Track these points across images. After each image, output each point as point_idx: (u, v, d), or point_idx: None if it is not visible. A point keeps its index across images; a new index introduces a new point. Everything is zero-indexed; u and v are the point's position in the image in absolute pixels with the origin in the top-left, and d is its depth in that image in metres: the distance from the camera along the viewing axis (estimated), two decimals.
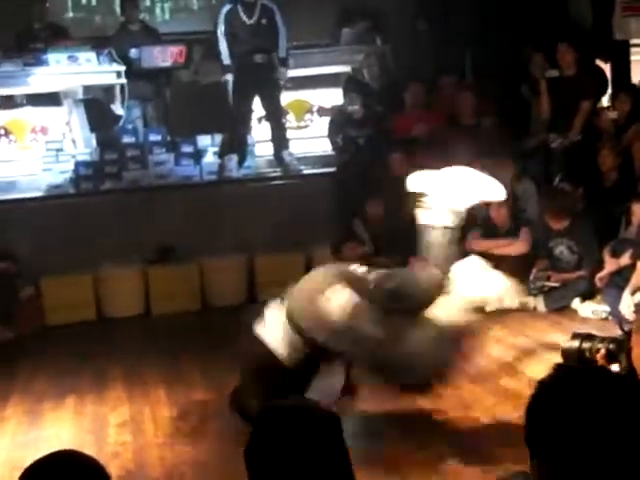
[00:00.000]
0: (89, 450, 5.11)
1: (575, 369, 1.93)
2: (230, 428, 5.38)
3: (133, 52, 9.99)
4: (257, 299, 9.01)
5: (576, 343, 3.63)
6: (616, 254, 7.83)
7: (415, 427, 5.27)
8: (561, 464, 1.72)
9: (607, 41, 10.15)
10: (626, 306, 7.30)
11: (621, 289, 7.46)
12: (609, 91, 10.14)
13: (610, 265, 7.79)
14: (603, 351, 3.52)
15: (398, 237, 8.01)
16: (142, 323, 8.67)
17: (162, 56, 10.16)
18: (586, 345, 3.59)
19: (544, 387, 1.81)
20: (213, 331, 8.11)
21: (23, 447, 5.45)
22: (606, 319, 7.49)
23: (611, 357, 3.48)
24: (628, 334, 3.39)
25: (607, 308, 7.55)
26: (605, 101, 10.00)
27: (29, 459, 2.16)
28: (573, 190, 8.51)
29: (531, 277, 7.99)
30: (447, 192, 5.36)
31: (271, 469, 2.01)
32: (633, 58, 10.89)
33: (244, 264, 9.13)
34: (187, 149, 9.95)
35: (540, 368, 5.93)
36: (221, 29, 9.81)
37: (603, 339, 3.59)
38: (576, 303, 7.85)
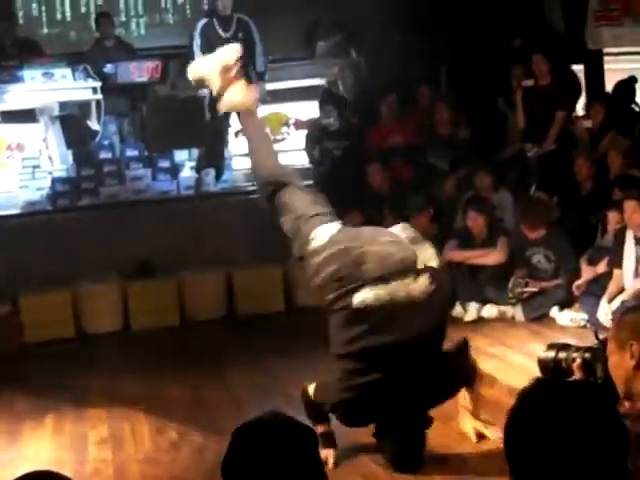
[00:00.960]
0: (69, 468, 5.12)
1: (553, 383, 1.91)
2: (209, 443, 5.39)
3: (109, 67, 9.98)
4: (236, 313, 9.02)
5: (552, 353, 3.62)
6: (593, 262, 7.88)
7: None
8: None
9: (580, 50, 10.23)
10: (604, 314, 7.35)
11: (598, 297, 7.50)
12: (583, 100, 10.21)
13: (587, 273, 7.84)
14: (579, 361, 3.50)
15: None
16: (121, 339, 8.63)
17: (138, 71, 10.16)
18: (562, 355, 3.59)
19: (522, 403, 1.81)
20: (192, 346, 8.09)
21: (2, 466, 5.41)
22: (584, 327, 7.52)
23: (587, 367, 3.46)
24: (603, 343, 3.38)
25: (585, 316, 7.58)
26: (580, 110, 10.05)
27: (8, 479, 2.16)
28: (549, 199, 8.55)
29: (509, 285, 8.02)
30: None
31: None
32: (606, 67, 10.98)
33: (223, 278, 9.11)
34: (164, 164, 9.95)
35: (519, 377, 5.96)
36: (197, 43, 9.82)
37: (578, 349, 3.57)
38: (554, 312, 7.89)
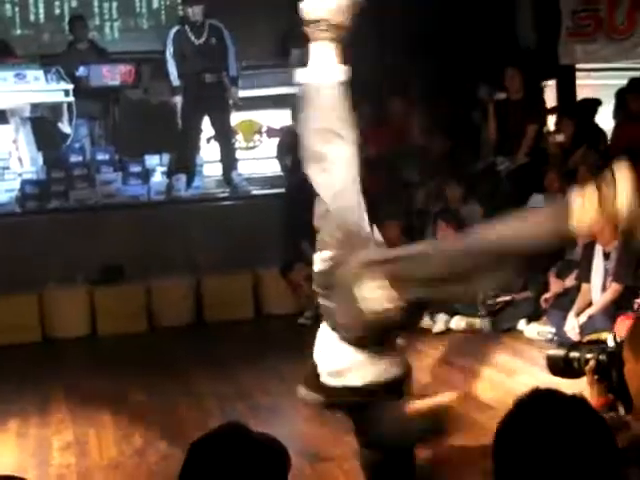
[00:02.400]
0: (32, 473, 5.08)
1: (548, 395, 1.86)
2: (175, 450, 5.35)
3: (81, 70, 9.94)
4: (205, 320, 8.99)
5: (562, 351, 3.39)
6: (561, 276, 7.92)
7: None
8: None
9: (553, 65, 10.29)
10: (571, 328, 7.38)
11: (566, 311, 7.54)
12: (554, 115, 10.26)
13: (555, 286, 7.88)
14: (593, 363, 3.27)
15: None
16: (88, 344, 8.58)
17: (111, 75, 10.12)
18: (574, 354, 3.35)
19: (514, 413, 1.78)
20: (159, 352, 8.06)
21: None
22: (551, 340, 7.55)
23: (601, 370, 3.24)
24: (620, 345, 3.15)
25: (552, 329, 7.61)
26: (551, 125, 10.10)
27: None
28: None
29: (480, 299, 8.03)
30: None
31: None
32: (579, 82, 11.05)
33: (192, 285, 9.08)
34: (135, 168, 9.93)
35: (487, 389, 5.98)
36: (170, 50, 9.81)
37: (592, 349, 3.35)
38: (522, 324, 7.91)
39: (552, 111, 9.88)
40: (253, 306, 9.11)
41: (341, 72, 4.45)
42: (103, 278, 8.98)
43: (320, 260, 4.42)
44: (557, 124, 9.64)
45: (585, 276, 7.56)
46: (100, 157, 9.95)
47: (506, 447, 1.75)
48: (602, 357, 3.27)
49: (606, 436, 1.73)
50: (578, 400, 1.79)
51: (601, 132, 9.59)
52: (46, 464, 5.43)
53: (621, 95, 9.52)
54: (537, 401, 1.82)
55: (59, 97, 9.76)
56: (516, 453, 1.72)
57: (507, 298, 8.05)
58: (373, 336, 4.33)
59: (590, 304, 7.47)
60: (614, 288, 7.33)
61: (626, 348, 2.89)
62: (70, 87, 9.71)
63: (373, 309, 4.11)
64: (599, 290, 7.47)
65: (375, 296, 4.10)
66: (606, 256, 7.46)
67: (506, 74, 9.28)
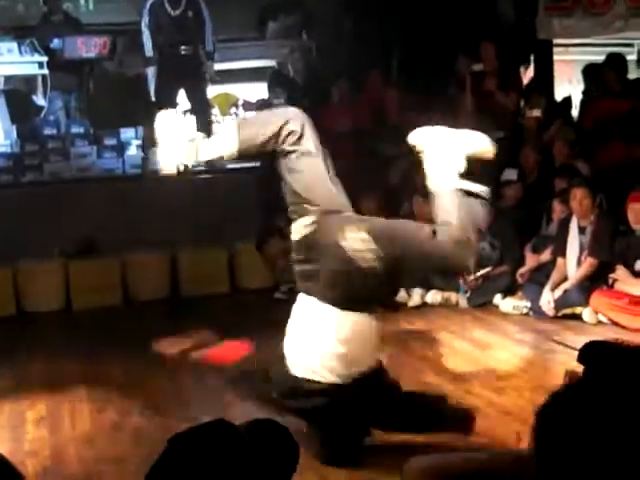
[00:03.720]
0: (5, 447, 5.04)
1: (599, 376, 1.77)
2: (150, 425, 5.35)
3: (56, 42, 9.84)
4: (180, 294, 8.96)
5: None
6: (537, 251, 7.95)
7: None
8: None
9: (531, 40, 10.27)
10: (546, 302, 7.42)
11: (541, 285, 7.58)
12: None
13: (531, 261, 7.91)
14: None
15: None
16: (62, 318, 8.54)
17: (85, 47, 10.03)
18: None
19: (556, 400, 1.68)
20: (134, 326, 8.02)
21: None
22: (527, 315, 7.59)
23: None
24: None
25: (528, 304, 7.65)
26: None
27: None
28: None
29: (459, 278, 8.05)
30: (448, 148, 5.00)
31: None
32: (556, 58, 11.05)
33: (167, 259, 9.05)
34: (110, 142, 9.85)
35: (463, 363, 5.99)
36: (145, 21, 9.71)
37: None
38: (497, 299, 7.94)
39: (529, 85, 9.86)
40: (229, 280, 9.09)
41: None
42: (78, 252, 8.93)
43: (302, 226, 4.49)
44: (529, 99, 9.62)
45: (560, 250, 7.58)
46: (75, 130, 9.86)
47: (550, 435, 1.64)
48: None
49: None
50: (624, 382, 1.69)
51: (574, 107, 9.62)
52: (19, 438, 5.39)
53: (593, 70, 9.51)
54: (580, 385, 1.73)
55: (33, 69, 9.67)
56: (562, 441, 1.62)
57: (485, 272, 8.06)
58: (355, 295, 4.38)
59: (565, 279, 7.51)
60: (589, 262, 7.37)
61: None
62: (44, 59, 9.62)
63: (359, 251, 4.32)
64: (574, 264, 7.50)
65: (360, 243, 4.38)
66: (581, 230, 7.49)
67: (482, 48, 9.25)
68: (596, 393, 1.66)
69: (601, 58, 9.70)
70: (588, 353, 2.80)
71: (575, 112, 9.71)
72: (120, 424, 5.51)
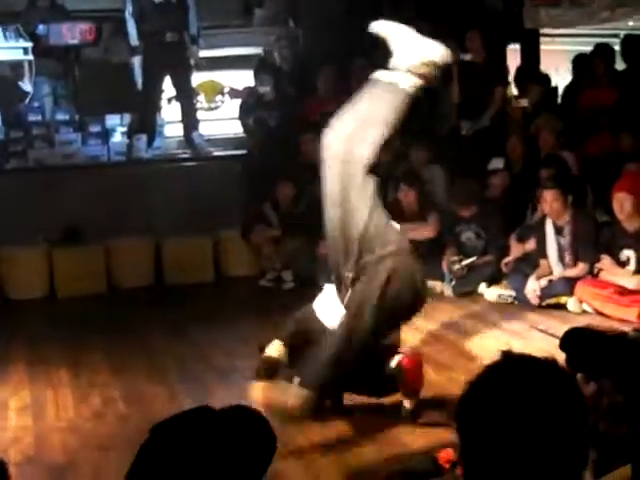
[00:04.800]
0: None
1: (518, 358, 1.81)
2: (132, 412, 5.34)
3: (41, 29, 9.78)
4: (165, 282, 8.95)
5: None
6: (522, 240, 7.95)
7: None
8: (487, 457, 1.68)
9: (518, 29, 10.26)
10: (531, 291, 7.42)
11: (526, 274, 7.58)
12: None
13: (516, 251, 7.91)
14: None
15: (307, 220, 7.99)
16: (46, 305, 8.51)
17: (71, 33, 9.97)
18: None
19: (481, 377, 1.74)
20: (118, 314, 8.01)
21: None
22: (511, 304, 7.60)
23: None
24: None
25: (512, 293, 7.65)
26: (513, 89, 10.08)
27: None
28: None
29: (444, 267, 8.05)
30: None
31: None
32: (543, 47, 11.04)
33: (151, 246, 9.02)
34: (95, 129, 9.81)
35: (446, 352, 6.00)
36: (129, 9, 9.67)
37: None
38: (482, 288, 7.94)
39: (516, 75, 9.84)
40: (213, 268, 9.08)
41: None
42: (62, 239, 8.90)
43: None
44: (521, 89, 9.61)
45: (542, 252, 7.60)
46: (60, 117, 9.82)
47: (473, 409, 1.72)
48: None
49: (577, 399, 1.71)
50: (550, 363, 1.75)
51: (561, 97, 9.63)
52: (2, 426, 5.36)
53: (581, 60, 9.52)
54: (507, 364, 1.77)
55: (18, 55, 9.63)
56: (483, 416, 1.69)
57: (470, 261, 8.07)
58: None
59: (551, 272, 7.52)
60: (581, 267, 7.38)
61: None
62: (29, 45, 9.56)
63: None
64: (556, 263, 7.52)
65: None
66: (558, 230, 7.50)
67: (468, 37, 9.23)
68: (511, 375, 1.71)
69: (588, 48, 9.70)
70: (568, 340, 2.82)
71: (560, 102, 9.70)
72: (103, 411, 5.49)
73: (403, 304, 4.73)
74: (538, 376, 1.71)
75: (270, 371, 4.95)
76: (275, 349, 4.98)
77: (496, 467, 1.66)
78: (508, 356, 1.78)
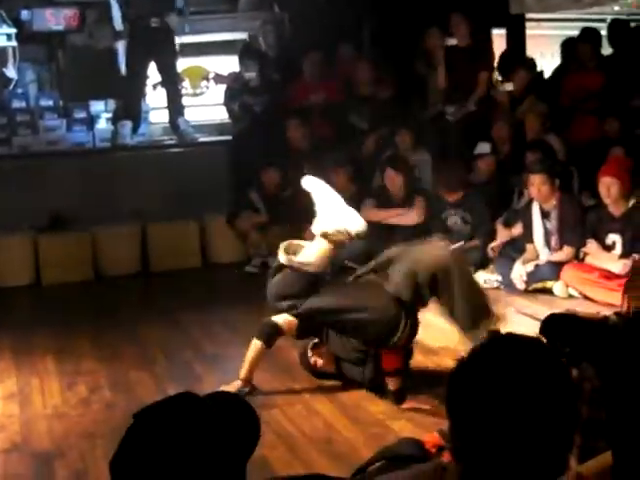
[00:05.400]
0: None
1: (506, 337, 1.83)
2: (118, 399, 5.33)
3: (24, 14, 9.71)
4: (151, 269, 8.92)
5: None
6: (508, 224, 7.96)
7: (303, 394, 5.27)
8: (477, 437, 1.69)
9: (503, 14, 10.24)
10: (518, 276, 7.43)
11: (513, 259, 7.59)
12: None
13: (502, 235, 7.92)
14: None
15: (293, 206, 7.98)
16: (32, 293, 8.47)
17: (55, 19, 9.91)
18: None
19: (471, 356, 1.75)
20: (105, 301, 7.98)
21: None
22: (498, 288, 7.60)
23: None
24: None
25: (499, 277, 7.66)
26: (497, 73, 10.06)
27: None
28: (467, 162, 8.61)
29: None
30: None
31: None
32: (528, 32, 11.03)
33: (137, 233, 8.99)
34: (80, 115, 9.75)
35: (434, 336, 5.99)
36: None
37: None
38: None
39: (501, 60, 9.82)
40: (200, 254, 9.06)
41: None
42: (48, 226, 8.86)
43: None
44: (507, 73, 9.59)
45: (528, 237, 7.61)
46: (44, 103, 9.74)
47: (462, 390, 1.72)
48: None
49: (564, 377, 1.71)
50: (537, 342, 1.76)
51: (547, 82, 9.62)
52: None
53: (569, 45, 9.51)
54: (495, 345, 1.78)
55: (1, 41, 9.56)
56: (471, 395, 1.69)
57: (457, 246, 8.06)
58: None
59: (537, 258, 7.53)
60: (567, 252, 7.39)
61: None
62: (13, 31, 9.49)
63: None
64: (542, 247, 7.53)
65: None
66: (545, 214, 7.50)
67: (452, 21, 9.20)
68: (500, 355, 1.73)
69: (574, 33, 9.68)
70: (548, 325, 2.83)
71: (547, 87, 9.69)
72: (90, 399, 5.48)
73: None
74: (526, 355, 1.72)
75: (268, 336, 5.16)
76: (282, 317, 5.13)
77: (485, 446, 1.67)
78: (496, 337, 1.79)
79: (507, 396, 1.66)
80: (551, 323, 3.10)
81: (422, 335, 5.41)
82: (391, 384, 5.06)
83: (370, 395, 5.23)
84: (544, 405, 1.66)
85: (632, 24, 9.80)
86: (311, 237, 5.48)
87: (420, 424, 4.59)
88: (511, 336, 1.80)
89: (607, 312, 3.59)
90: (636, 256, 6.79)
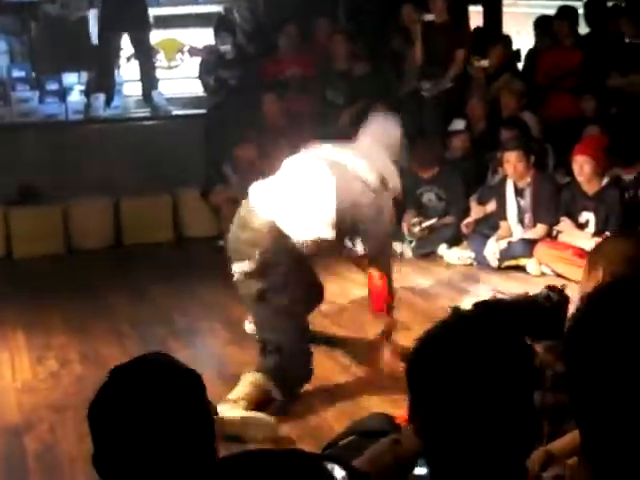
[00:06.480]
0: None
1: (468, 316, 1.83)
2: (89, 372, 5.29)
3: None
4: (123, 242, 8.87)
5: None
6: (482, 201, 7.96)
7: None
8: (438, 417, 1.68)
9: None
10: (491, 252, 7.45)
11: (486, 236, 7.60)
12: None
13: (476, 212, 7.92)
14: None
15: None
16: (3, 266, 8.40)
17: None
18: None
19: (431, 334, 1.73)
20: (77, 275, 7.93)
21: None
22: (471, 265, 7.62)
23: None
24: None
25: (472, 254, 7.67)
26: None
27: None
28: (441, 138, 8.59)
29: (404, 228, 8.03)
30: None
31: (119, 433, 1.82)
32: (505, 10, 11.01)
33: (110, 206, 8.93)
34: (52, 86, 9.65)
35: (406, 313, 6.00)
36: None
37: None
38: (442, 249, 7.94)
39: (476, 36, 9.79)
40: (173, 228, 9.01)
41: None
42: (19, 199, 8.78)
43: None
44: (482, 50, 9.56)
45: (502, 214, 7.62)
46: (16, 74, 9.65)
47: (421, 366, 1.71)
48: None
49: (525, 355, 1.70)
50: (499, 320, 1.74)
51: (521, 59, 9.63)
52: None
53: (545, 22, 9.49)
54: (455, 322, 1.77)
55: None
56: (431, 372, 1.68)
57: (431, 222, 8.06)
58: None
59: (511, 235, 7.54)
60: (541, 229, 7.40)
61: (585, 261, 2.97)
62: None
63: None
64: (515, 224, 7.54)
65: None
66: (519, 192, 7.51)
67: None
68: (460, 332, 1.71)
69: (551, 11, 9.66)
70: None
71: (522, 65, 9.69)
72: (60, 372, 5.45)
73: None
74: (486, 333, 1.70)
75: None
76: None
77: (445, 424, 1.66)
78: (457, 313, 1.78)
79: (466, 372, 1.64)
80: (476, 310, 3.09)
81: (394, 311, 5.39)
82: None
83: (342, 369, 5.23)
84: (505, 380, 1.65)
85: (609, 3, 9.79)
86: None
87: (391, 400, 4.59)
88: (471, 312, 1.79)
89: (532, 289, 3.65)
90: (609, 234, 6.81)
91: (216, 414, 1.95)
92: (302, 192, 4.80)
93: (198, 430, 1.86)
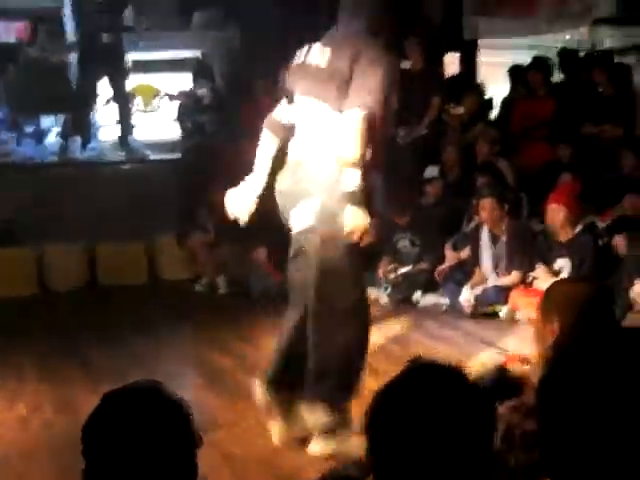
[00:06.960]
0: None
1: (427, 367, 1.83)
2: (60, 419, 5.22)
3: None
4: (98, 285, 8.84)
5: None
6: (457, 248, 7.98)
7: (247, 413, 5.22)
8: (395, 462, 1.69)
9: (457, 40, 10.32)
10: (465, 300, 7.45)
11: (461, 282, 7.61)
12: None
13: (451, 259, 7.94)
14: None
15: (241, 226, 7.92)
16: None
17: (6, 31, 9.84)
18: None
19: (390, 385, 1.75)
20: (50, 317, 7.87)
21: None
22: (445, 312, 7.62)
23: None
24: None
25: (447, 301, 7.68)
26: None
27: None
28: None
29: (381, 274, 8.05)
30: None
31: (109, 452, 1.94)
32: (485, 59, 11.09)
33: (85, 249, 8.92)
34: (29, 129, 9.66)
35: (380, 358, 5.98)
36: (68, 7, 9.54)
37: None
38: (417, 295, 7.95)
39: (453, 84, 9.87)
40: (147, 272, 9.00)
41: None
42: None
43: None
44: (456, 98, 9.64)
45: (475, 261, 7.65)
46: None
47: (379, 418, 1.73)
48: None
49: (483, 407, 1.72)
50: (455, 371, 1.77)
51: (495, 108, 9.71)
52: None
53: (517, 72, 9.58)
54: (414, 373, 1.79)
55: None
56: (387, 424, 1.71)
57: (406, 270, 8.08)
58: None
59: (485, 281, 7.56)
60: (515, 276, 7.43)
61: (537, 312, 3.03)
62: None
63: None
64: (490, 271, 7.57)
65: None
66: (494, 239, 7.55)
67: (406, 44, 9.23)
68: (417, 384, 1.76)
69: (527, 59, 9.75)
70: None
71: (496, 113, 9.76)
72: (29, 418, 5.36)
73: None
74: (443, 384, 1.74)
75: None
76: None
77: (400, 471, 1.69)
78: (416, 364, 1.81)
79: (422, 424, 1.68)
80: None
81: (370, 358, 5.38)
82: None
83: None
84: (460, 432, 1.68)
85: (581, 53, 9.89)
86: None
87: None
88: (429, 363, 1.82)
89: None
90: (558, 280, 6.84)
91: (202, 442, 2.05)
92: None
93: (180, 454, 1.98)
